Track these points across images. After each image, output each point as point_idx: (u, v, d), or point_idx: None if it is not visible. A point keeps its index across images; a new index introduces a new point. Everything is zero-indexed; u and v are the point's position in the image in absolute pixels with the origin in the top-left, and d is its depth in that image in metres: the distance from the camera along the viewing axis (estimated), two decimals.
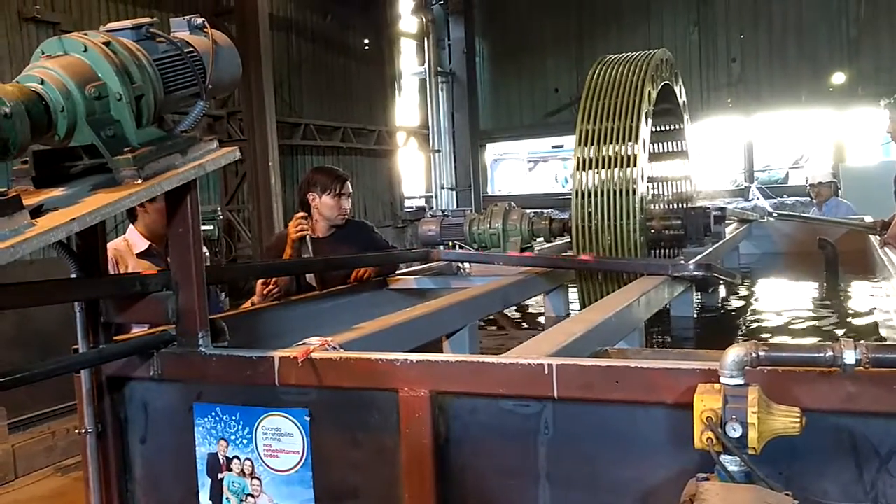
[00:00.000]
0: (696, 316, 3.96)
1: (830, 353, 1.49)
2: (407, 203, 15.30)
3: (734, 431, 1.48)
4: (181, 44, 2.31)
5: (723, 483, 1.48)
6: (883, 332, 3.48)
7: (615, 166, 3.74)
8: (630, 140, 3.72)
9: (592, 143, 3.81)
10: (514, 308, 4.76)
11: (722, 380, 1.52)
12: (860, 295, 4.64)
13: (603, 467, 1.81)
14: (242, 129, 10.03)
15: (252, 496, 2.20)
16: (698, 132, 14.94)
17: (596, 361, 1.79)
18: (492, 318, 4.46)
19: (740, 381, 1.51)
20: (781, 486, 1.51)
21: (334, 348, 2.10)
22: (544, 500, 1.86)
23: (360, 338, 2.38)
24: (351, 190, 3.84)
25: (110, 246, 3.45)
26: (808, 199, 9.69)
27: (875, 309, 4.04)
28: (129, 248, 3.43)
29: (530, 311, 4.85)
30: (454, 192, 16.59)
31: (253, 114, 9.72)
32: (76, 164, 2.08)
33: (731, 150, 16.04)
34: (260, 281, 3.36)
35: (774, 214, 9.26)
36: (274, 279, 3.33)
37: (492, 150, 17.91)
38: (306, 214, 3.62)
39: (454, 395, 1.91)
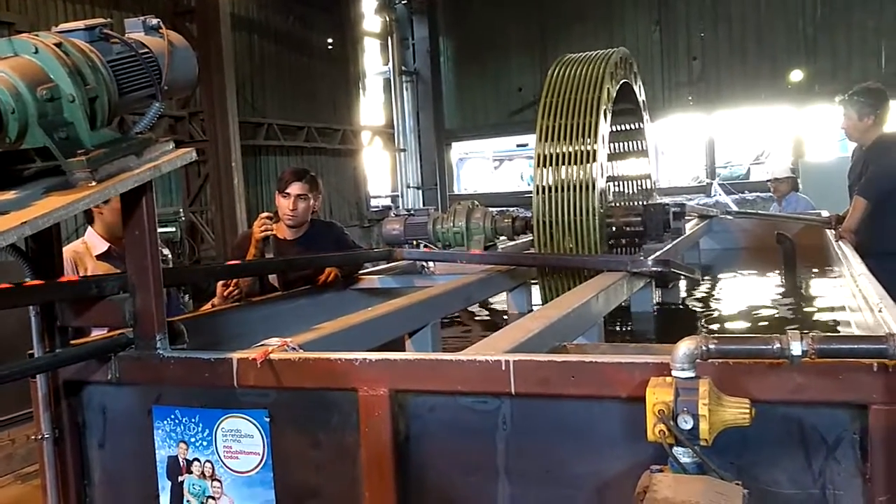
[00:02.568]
0: (655, 311, 4.01)
1: (778, 345, 1.53)
2: (373, 202, 15.29)
3: (686, 423, 1.51)
4: (136, 45, 2.29)
5: (675, 474, 1.51)
6: (838, 324, 3.56)
7: (575, 163, 3.77)
8: (589, 137, 3.76)
9: (552, 140, 3.85)
10: (479, 306, 4.79)
11: (673, 373, 1.55)
12: (817, 288, 4.73)
13: (560, 461, 1.83)
14: (204, 129, 9.96)
15: (213, 498, 2.19)
16: (660, 130, 15.16)
17: (552, 357, 1.81)
18: (456, 316, 4.48)
19: (691, 374, 1.54)
20: (732, 477, 1.55)
21: (293, 349, 2.10)
22: (503, 495, 1.87)
23: (320, 338, 2.38)
24: (304, 192, 3.75)
25: (69, 248, 3.41)
26: (769, 194, 9.87)
27: (830, 301, 4.13)
28: (88, 250, 3.39)
29: (494, 308, 4.88)
30: (420, 192, 16.60)
31: (215, 114, 9.65)
32: (28, 166, 2.06)
33: (692, 147, 16.26)
34: (220, 283, 3.34)
35: (734, 209, 9.40)
36: (234, 281, 3.31)
37: (457, 149, 17.95)
38: (271, 214, 3.60)
39: (413, 393, 1.92)
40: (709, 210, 7.18)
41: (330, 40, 13.69)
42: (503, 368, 1.81)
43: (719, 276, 5.61)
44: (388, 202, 16.06)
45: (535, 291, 4.24)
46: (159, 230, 7.33)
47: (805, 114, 14.34)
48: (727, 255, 6.60)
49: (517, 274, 4.12)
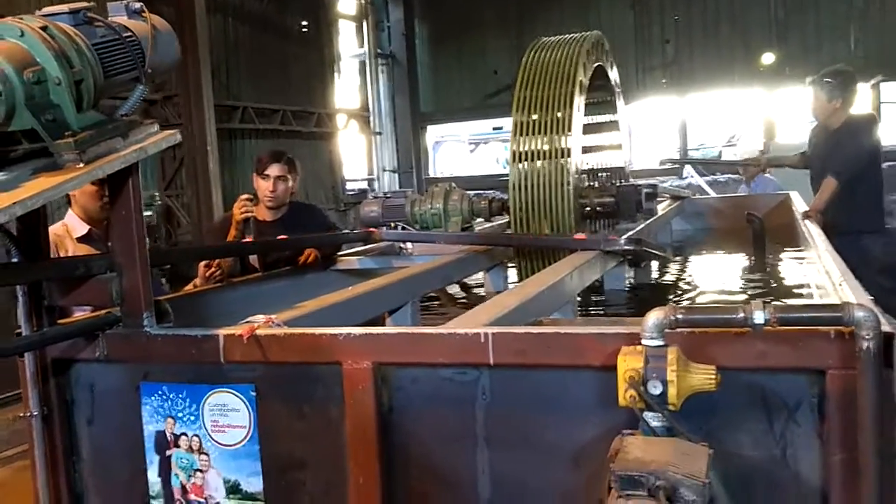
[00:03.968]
0: (627, 289, 4.12)
1: (742, 314, 1.62)
2: (349, 186, 15.30)
3: (655, 389, 1.59)
4: (119, 28, 2.32)
5: (645, 437, 1.60)
6: (803, 299, 3.68)
7: (549, 147, 3.86)
8: (563, 114, 3.84)
9: (528, 132, 3.94)
10: (458, 286, 4.87)
11: (643, 341, 1.64)
12: (784, 266, 4.86)
13: (537, 429, 1.91)
14: (179, 113, 9.91)
15: (200, 471, 2.26)
16: (634, 112, 15.27)
17: (529, 329, 1.89)
18: (434, 295, 4.56)
19: (660, 343, 1.63)
20: (700, 439, 1.64)
21: (278, 325, 2.17)
22: (482, 462, 1.96)
23: (303, 315, 2.44)
24: (283, 173, 3.81)
25: (50, 230, 3.43)
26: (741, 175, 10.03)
27: (797, 278, 4.26)
28: (68, 232, 3.42)
29: (472, 288, 4.96)
30: (396, 175, 16.63)
31: (190, 97, 9.62)
32: (15, 148, 2.10)
33: (666, 129, 16.41)
34: (202, 263, 3.38)
35: (709, 192, 9.53)
36: (216, 262, 3.36)
37: (433, 132, 17.97)
38: (251, 196, 3.65)
39: (396, 365, 2.00)
40: (681, 191, 7.30)
41: (304, 23, 13.63)
42: (482, 341, 1.89)
43: (691, 255, 5.74)
44: (363, 185, 16.06)
45: (512, 271, 4.33)
46: None
47: (776, 96, 14.53)
48: (699, 235, 6.74)
49: (494, 254, 4.20)
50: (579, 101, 3.90)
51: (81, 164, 2.04)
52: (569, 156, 3.80)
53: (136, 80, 2.38)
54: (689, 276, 4.94)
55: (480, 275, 4.53)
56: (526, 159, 3.87)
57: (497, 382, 1.93)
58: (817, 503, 1.73)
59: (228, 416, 2.21)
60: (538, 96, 3.91)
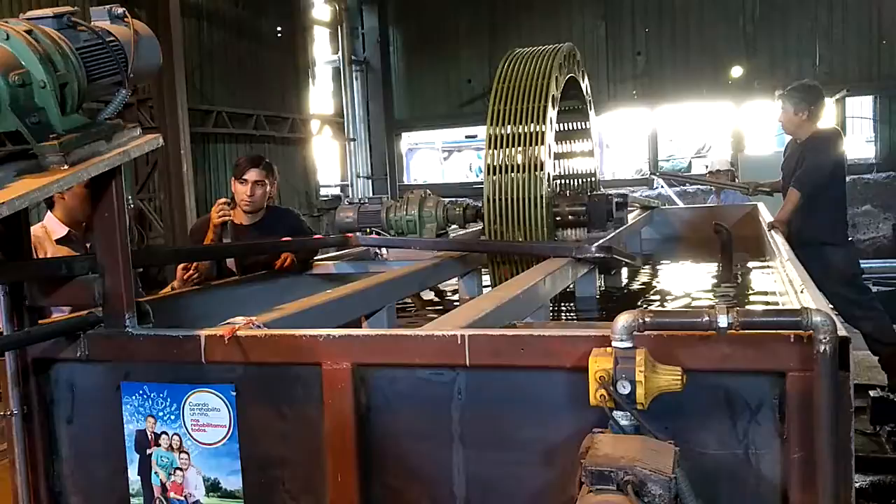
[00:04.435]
0: (598, 296, 4.20)
1: (707, 318, 1.70)
2: (322, 192, 15.30)
3: (624, 388, 1.67)
4: (103, 33, 2.37)
5: (612, 435, 1.67)
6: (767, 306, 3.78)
7: (525, 146, 3.94)
8: (538, 127, 3.93)
9: (503, 124, 4.02)
10: (433, 292, 4.93)
11: (613, 343, 1.71)
12: (750, 275, 4.97)
13: (511, 428, 1.98)
14: (153, 116, 9.88)
15: (181, 469, 2.29)
16: (605, 123, 15.42)
17: (503, 331, 1.96)
18: (408, 301, 4.61)
19: (629, 344, 1.70)
20: (667, 437, 1.71)
21: (259, 326, 2.21)
22: (458, 460, 2.02)
23: (282, 317, 2.49)
24: (261, 178, 3.85)
25: None
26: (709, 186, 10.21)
27: (762, 286, 4.37)
28: (47, 234, 3.43)
29: (447, 294, 5.02)
30: (370, 181, 16.66)
31: (164, 102, 9.59)
32: None
33: (636, 140, 16.62)
34: (180, 266, 3.41)
35: (678, 202, 9.68)
36: (194, 264, 3.39)
37: (407, 140, 18.04)
38: (228, 200, 3.69)
39: (374, 366, 2.05)
40: (650, 201, 7.43)
41: (279, 28, 13.65)
42: (459, 342, 1.95)
43: (660, 263, 5.84)
44: (337, 191, 16.07)
45: (486, 278, 4.40)
46: None
47: (744, 109, 14.80)
48: (668, 244, 6.85)
49: (468, 261, 4.27)
50: (552, 115, 3.99)
51: (66, 167, 2.07)
52: (542, 168, 3.88)
53: (118, 84, 2.43)
54: (658, 283, 5.04)
55: (455, 280, 4.60)
56: (500, 172, 3.95)
57: (473, 383, 2.00)
58: (777, 500, 1.81)
59: (209, 415, 2.25)
60: (512, 110, 3.99)
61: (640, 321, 1.71)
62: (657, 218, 7.11)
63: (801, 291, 2.42)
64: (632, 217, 6.19)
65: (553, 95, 4.01)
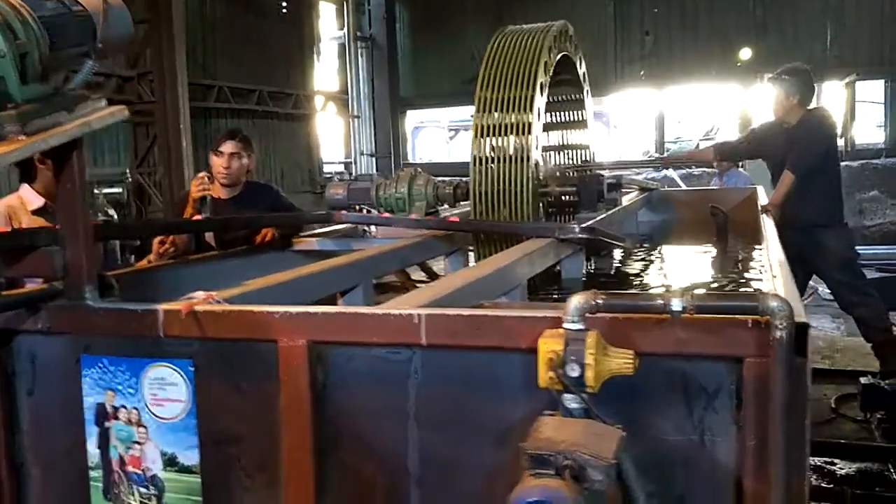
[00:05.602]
0: (584, 278, 4.16)
1: (661, 302, 1.66)
2: (326, 169, 15.26)
3: (573, 371, 1.63)
4: (69, 2, 2.32)
5: (559, 418, 1.64)
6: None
7: (511, 135, 3.89)
8: (525, 111, 3.87)
9: (490, 113, 3.96)
10: (423, 270, 4.90)
11: (564, 325, 1.68)
12: (742, 258, 4.92)
13: (466, 408, 1.94)
14: (153, 90, 9.84)
15: (138, 443, 2.28)
16: (612, 104, 15.28)
17: (460, 311, 1.92)
18: (395, 281, 4.58)
19: (581, 326, 1.66)
20: (615, 422, 1.68)
21: (219, 302, 2.19)
22: (413, 439, 1.99)
23: (247, 293, 2.46)
24: (237, 150, 3.82)
25: (3, 202, 3.43)
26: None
27: (752, 271, 4.33)
28: (23, 204, 3.41)
29: (437, 272, 4.99)
30: (374, 159, 16.61)
31: (164, 75, 9.54)
32: None
33: (644, 122, 16.49)
34: (157, 240, 3.39)
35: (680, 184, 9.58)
36: (171, 238, 3.37)
37: (413, 118, 17.95)
38: (207, 175, 3.66)
39: (331, 344, 2.02)
40: (650, 183, 7.37)
41: (284, 3, 13.55)
42: (415, 321, 1.92)
43: (654, 246, 5.79)
44: (341, 168, 16.04)
45: (472, 257, 4.36)
46: (105, 191, 7.44)
47: (753, 91, 14.66)
48: (665, 227, 6.79)
49: (454, 239, 4.23)
50: (540, 103, 3.92)
51: (23, 136, 2.04)
52: (529, 159, 3.82)
53: (85, 54, 2.39)
54: (649, 265, 5.00)
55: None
56: (486, 162, 3.90)
57: (429, 362, 1.97)
58: (731, 487, 1.78)
59: (167, 389, 2.23)
60: (498, 98, 3.94)
61: (593, 303, 1.67)
62: (656, 200, 7.04)
63: (774, 277, 2.37)
64: (628, 199, 6.13)
65: (541, 83, 3.95)
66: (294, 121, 13.73)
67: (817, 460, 4.63)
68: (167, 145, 9.81)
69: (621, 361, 1.65)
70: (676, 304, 1.64)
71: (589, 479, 1.45)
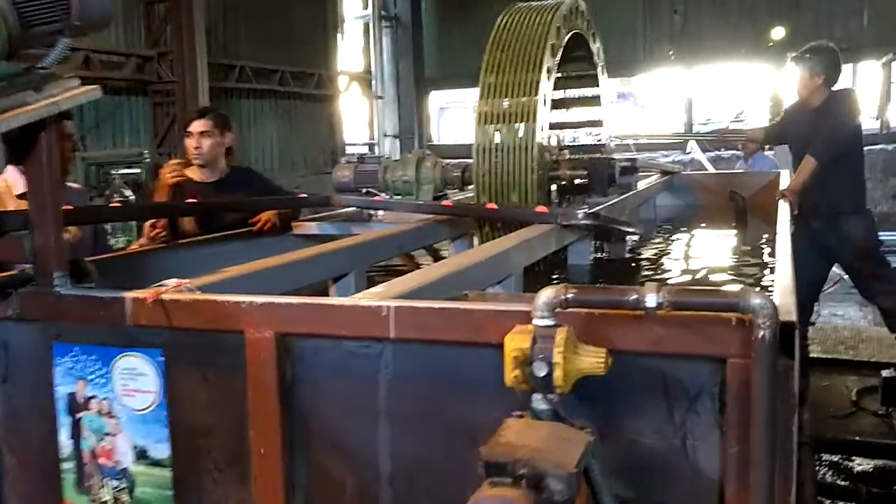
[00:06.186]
0: (590, 264, 4.04)
1: (635, 297, 1.54)
2: (349, 150, 15.19)
3: (540, 370, 1.52)
4: None
5: (527, 420, 1.54)
6: (766, 281, 3.59)
7: (515, 121, 3.77)
8: (531, 95, 3.74)
9: (495, 97, 3.84)
10: (431, 256, 4.80)
11: (534, 321, 1.57)
12: (758, 245, 4.77)
13: (438, 405, 1.85)
14: (173, 70, 9.81)
15: (110, 434, 2.22)
16: (640, 84, 14.96)
17: (431, 303, 1.83)
18: (401, 265, 4.49)
19: (550, 322, 1.56)
20: (588, 424, 1.57)
21: (189, 290, 2.11)
22: (383, 436, 1.90)
23: (225, 280, 2.39)
24: (206, 128, 3.74)
25: None
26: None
27: (765, 258, 4.18)
28: (8, 188, 3.36)
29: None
30: (398, 140, 16.50)
31: (183, 55, 9.50)
32: None
33: (672, 102, 16.18)
34: (148, 223, 3.33)
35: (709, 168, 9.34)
36: (163, 222, 3.30)
37: (438, 99, 17.78)
38: (181, 161, 3.58)
39: (299, 336, 1.94)
40: (668, 166, 7.19)
41: None
42: (384, 314, 1.83)
43: (670, 231, 5.65)
44: (364, 150, 15.95)
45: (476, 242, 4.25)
46: (123, 171, 7.35)
47: (785, 72, 14.29)
48: (685, 211, 6.62)
49: (459, 224, 4.12)
50: (546, 88, 3.79)
51: None
52: (534, 119, 3.70)
53: (60, 32, 2.31)
54: (662, 251, 4.86)
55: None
56: (491, 151, 3.78)
57: (400, 357, 1.87)
58: (714, 495, 1.67)
59: (137, 380, 2.16)
60: (503, 83, 3.81)
61: (563, 297, 1.56)
62: (676, 184, 6.87)
63: (772, 269, 2.24)
64: (646, 182, 5.98)
65: (548, 67, 3.81)
66: (317, 101, 13.65)
67: (834, 457, 4.48)
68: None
69: (592, 360, 1.55)
70: (651, 300, 1.53)
71: (548, 489, 1.35)
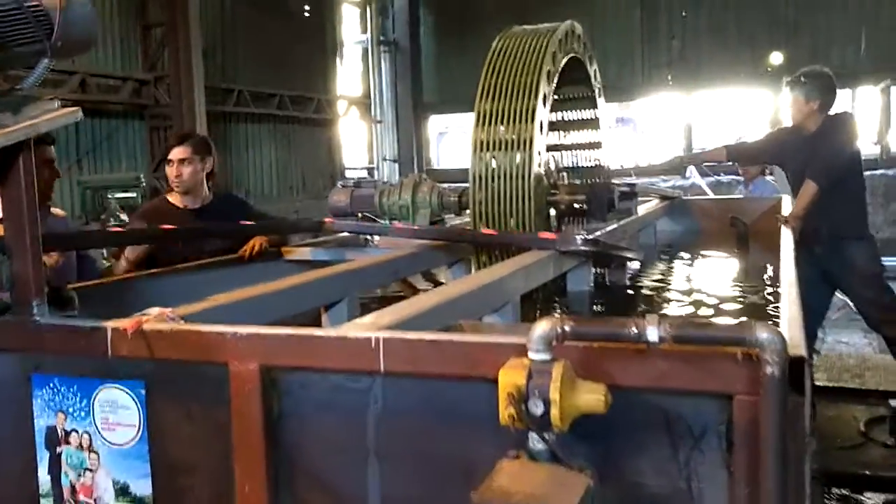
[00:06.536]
0: (590, 291, 3.96)
1: (634, 329, 1.46)
2: (348, 174, 15.16)
3: (536, 408, 1.44)
4: None
5: (522, 461, 1.46)
6: (771, 309, 3.51)
7: (511, 149, 3.70)
8: (527, 120, 3.68)
9: (490, 125, 3.78)
10: (431, 283, 4.72)
11: (529, 354, 1.49)
12: (758, 271, 4.70)
13: (430, 442, 1.77)
14: (170, 93, 9.78)
15: (90, 470, 2.13)
16: (639, 109, 14.96)
17: (422, 335, 1.75)
18: (398, 292, 4.40)
19: (547, 357, 1.48)
20: (587, 465, 1.49)
21: (172, 319, 2.03)
22: (373, 475, 1.82)
23: (211, 309, 2.30)
24: (185, 155, 3.70)
25: None
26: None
27: (767, 284, 4.10)
28: None
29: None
30: (396, 165, 16.48)
31: (180, 78, 9.48)
32: None
33: (671, 128, 16.18)
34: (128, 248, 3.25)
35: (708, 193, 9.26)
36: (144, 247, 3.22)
37: (438, 123, 17.78)
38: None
39: (285, 369, 1.86)
40: (669, 191, 7.14)
41: (307, 6, 13.47)
42: (373, 346, 1.74)
43: (672, 257, 5.58)
44: (364, 174, 15.93)
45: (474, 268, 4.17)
46: (119, 195, 7.27)
47: (783, 97, 14.31)
48: (686, 237, 6.56)
49: (456, 250, 4.04)
50: (542, 116, 3.73)
51: None
52: (531, 147, 3.63)
53: (42, 53, 2.25)
54: (663, 278, 4.78)
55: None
56: (487, 149, 3.72)
57: (390, 391, 1.79)
58: None
59: (118, 413, 2.08)
60: (498, 110, 3.74)
61: (559, 330, 1.48)
62: (677, 209, 6.81)
63: (780, 300, 2.16)
64: (646, 208, 5.92)
65: (544, 93, 3.75)
66: (316, 126, 13.63)
67: (843, 490, 4.37)
68: None
69: (591, 397, 1.46)
70: (652, 334, 1.45)
71: None
